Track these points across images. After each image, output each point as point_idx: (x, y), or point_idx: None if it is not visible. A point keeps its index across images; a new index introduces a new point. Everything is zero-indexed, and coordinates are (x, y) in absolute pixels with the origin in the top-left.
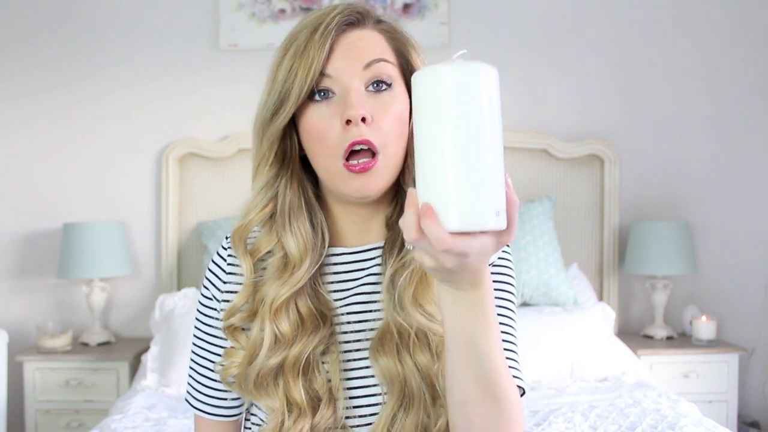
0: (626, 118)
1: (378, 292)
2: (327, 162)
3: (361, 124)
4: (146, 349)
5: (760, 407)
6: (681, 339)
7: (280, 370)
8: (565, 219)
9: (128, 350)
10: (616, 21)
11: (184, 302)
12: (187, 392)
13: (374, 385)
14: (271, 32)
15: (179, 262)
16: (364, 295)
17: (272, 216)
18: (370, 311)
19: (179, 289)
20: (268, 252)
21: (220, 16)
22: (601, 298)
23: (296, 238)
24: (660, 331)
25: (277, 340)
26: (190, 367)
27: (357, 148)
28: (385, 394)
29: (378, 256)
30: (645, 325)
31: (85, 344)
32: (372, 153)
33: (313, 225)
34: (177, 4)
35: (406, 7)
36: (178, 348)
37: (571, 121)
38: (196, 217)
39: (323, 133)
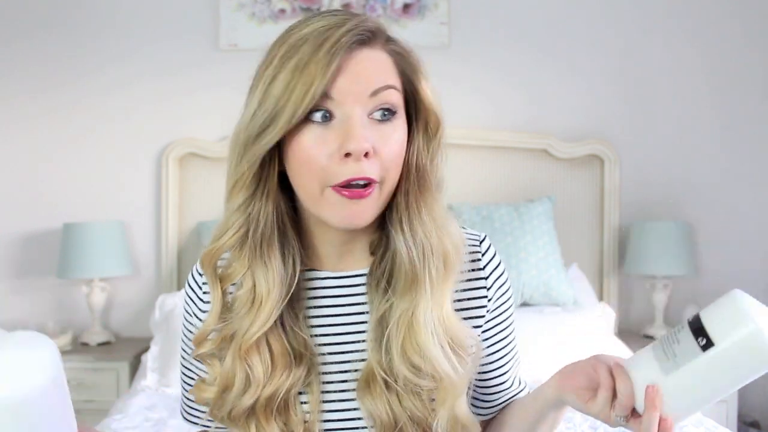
0: (626, 118)
1: (364, 319)
2: (311, 186)
3: (363, 159)
4: (146, 349)
5: (760, 407)
6: None
7: (251, 410)
8: (565, 219)
9: (128, 350)
10: (616, 21)
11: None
12: (184, 410)
13: (353, 419)
14: (271, 32)
15: (179, 262)
16: (349, 325)
17: (245, 241)
18: (356, 342)
19: (179, 289)
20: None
21: (220, 16)
22: (601, 298)
23: (267, 269)
24: (660, 332)
25: (248, 380)
26: (182, 382)
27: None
28: (372, 427)
29: (363, 284)
30: (645, 325)
31: (85, 344)
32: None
33: (283, 254)
34: (177, 3)
35: (406, 7)
36: (178, 348)
37: (571, 121)
38: (196, 217)
39: (313, 157)
